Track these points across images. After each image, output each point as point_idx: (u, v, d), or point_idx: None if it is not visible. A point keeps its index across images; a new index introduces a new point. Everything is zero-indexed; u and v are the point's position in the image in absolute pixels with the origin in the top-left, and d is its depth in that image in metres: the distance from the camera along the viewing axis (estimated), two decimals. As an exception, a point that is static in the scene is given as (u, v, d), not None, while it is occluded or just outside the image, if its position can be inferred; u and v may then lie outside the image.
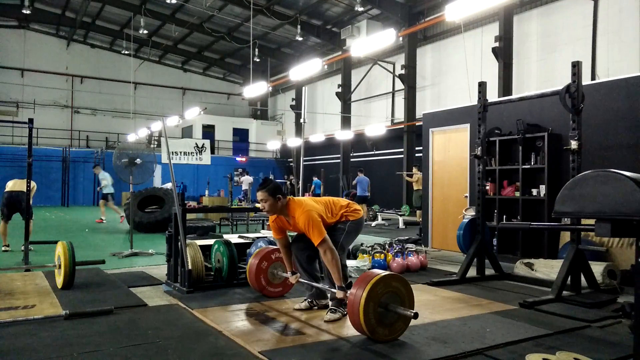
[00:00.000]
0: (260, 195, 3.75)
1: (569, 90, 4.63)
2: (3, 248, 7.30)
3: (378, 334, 3.13)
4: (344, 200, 4.09)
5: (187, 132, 25.44)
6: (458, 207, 7.54)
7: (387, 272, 3.27)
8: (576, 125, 4.59)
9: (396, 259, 5.82)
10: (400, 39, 16.51)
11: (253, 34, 19.21)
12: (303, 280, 3.98)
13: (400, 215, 13.10)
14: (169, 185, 14.61)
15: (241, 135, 26.78)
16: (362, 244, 6.26)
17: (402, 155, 17.35)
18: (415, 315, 3.10)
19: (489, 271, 5.55)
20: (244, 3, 17.59)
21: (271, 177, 21.56)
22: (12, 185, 7.42)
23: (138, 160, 7.41)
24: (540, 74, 13.50)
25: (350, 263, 5.22)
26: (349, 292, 3.26)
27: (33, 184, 6.98)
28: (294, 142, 20.71)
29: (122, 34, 22.91)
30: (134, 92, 25.45)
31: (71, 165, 21.67)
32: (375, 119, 19.45)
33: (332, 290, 3.65)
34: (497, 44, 13.63)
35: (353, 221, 3.94)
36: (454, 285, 5.07)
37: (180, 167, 18.50)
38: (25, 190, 6.75)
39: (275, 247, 4.37)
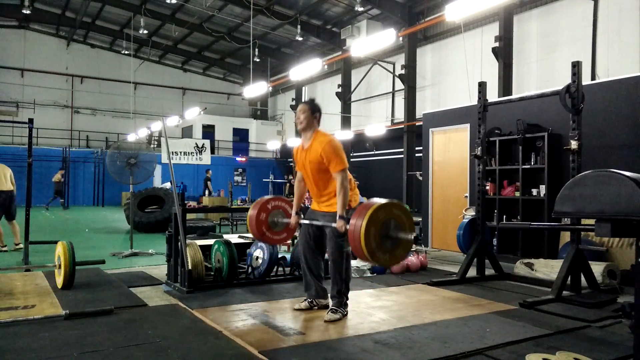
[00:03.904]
0: (301, 107, 3.89)
1: (569, 90, 4.64)
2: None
3: (378, 258, 3.10)
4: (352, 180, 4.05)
5: (187, 132, 25.43)
6: (458, 207, 7.54)
7: (389, 200, 3.24)
8: (576, 125, 4.59)
9: (396, 259, 5.80)
10: (400, 39, 16.50)
11: (253, 34, 19.20)
12: (304, 222, 3.96)
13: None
14: (167, 185, 14.62)
15: (241, 135, 26.77)
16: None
17: (402, 156, 17.34)
18: (415, 239, 3.09)
19: (489, 271, 5.55)
20: (244, 3, 17.58)
21: (271, 177, 21.41)
22: None
23: (132, 160, 7.37)
24: (540, 74, 13.49)
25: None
26: (351, 220, 3.21)
27: (8, 169, 6.97)
28: (294, 142, 20.70)
29: (122, 34, 22.90)
30: (134, 92, 25.44)
31: (71, 165, 21.66)
32: (375, 119, 19.44)
33: (332, 225, 3.62)
34: (497, 44, 13.62)
35: (351, 208, 3.85)
36: (454, 285, 5.07)
37: (180, 167, 18.50)
38: (11, 188, 6.79)
39: (270, 197, 4.34)
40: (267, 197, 4.33)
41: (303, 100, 4.03)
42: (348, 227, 3.23)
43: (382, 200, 3.18)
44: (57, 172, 19.19)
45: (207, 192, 17.15)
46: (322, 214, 3.85)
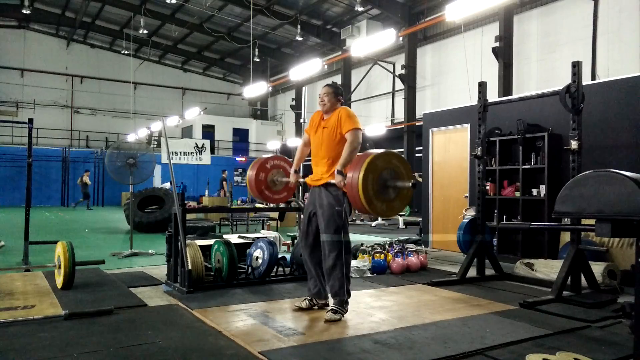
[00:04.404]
0: (324, 89, 3.95)
1: (569, 90, 4.63)
2: None
3: (376, 208, 3.07)
4: None
5: (187, 132, 25.43)
6: (458, 207, 7.54)
7: (383, 150, 3.22)
8: (576, 125, 4.59)
9: (396, 259, 5.81)
10: (400, 39, 16.51)
11: (253, 34, 19.21)
12: (303, 180, 3.98)
13: (401, 216, 13.10)
14: (167, 184, 14.60)
15: (241, 135, 26.77)
16: (362, 244, 6.26)
17: (402, 156, 17.35)
18: (414, 185, 3.07)
19: (489, 271, 5.55)
20: (244, 3, 17.58)
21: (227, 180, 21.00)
22: None
23: (131, 160, 7.38)
24: (540, 74, 13.50)
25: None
26: (348, 173, 3.20)
27: None
28: (294, 142, 20.70)
29: (122, 34, 22.91)
30: (134, 92, 25.45)
31: (71, 165, 21.68)
32: (375, 119, 19.45)
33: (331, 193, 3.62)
34: (497, 44, 13.63)
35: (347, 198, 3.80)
36: (454, 286, 5.07)
37: (180, 167, 18.51)
38: None
39: (268, 156, 4.34)
40: (265, 156, 4.34)
41: (327, 84, 4.10)
42: (345, 181, 3.22)
43: (377, 151, 3.16)
44: (84, 173, 19.27)
45: (222, 192, 17.10)
46: (317, 190, 3.85)
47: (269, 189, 4.23)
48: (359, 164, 3.07)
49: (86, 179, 18.92)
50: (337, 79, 21.15)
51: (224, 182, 17.58)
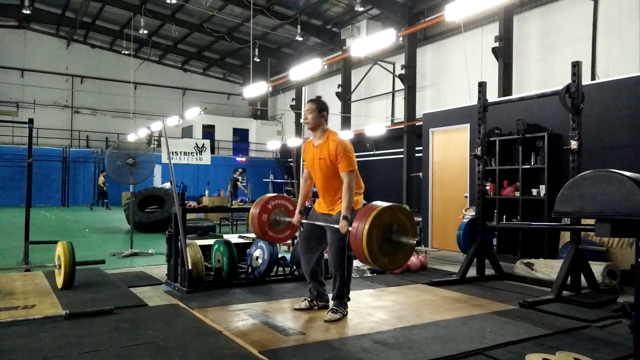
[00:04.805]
0: (308, 105, 3.88)
1: (569, 90, 4.64)
2: None
3: (379, 261, 3.07)
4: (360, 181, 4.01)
5: (187, 132, 25.43)
6: (458, 207, 7.54)
7: (392, 204, 3.20)
8: (576, 125, 4.59)
9: (396, 259, 5.80)
10: (400, 39, 16.50)
11: (253, 34, 19.20)
12: (306, 222, 3.94)
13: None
14: (167, 184, 14.59)
15: (241, 135, 26.77)
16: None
17: (402, 156, 17.34)
18: (418, 243, 3.05)
19: (489, 271, 5.55)
20: (244, 3, 17.57)
21: (271, 177, 21.34)
22: None
23: (130, 160, 7.39)
24: (540, 74, 13.49)
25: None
26: (354, 223, 3.17)
27: None
28: (294, 142, 20.69)
29: (122, 34, 22.90)
30: (134, 92, 25.44)
31: (71, 165, 21.67)
32: (375, 119, 19.44)
33: (335, 226, 3.61)
34: (497, 44, 13.62)
35: (354, 211, 3.85)
36: (454, 285, 5.07)
37: (180, 167, 18.50)
38: None
39: (271, 195, 4.31)
40: (268, 195, 4.30)
41: (310, 99, 4.02)
42: (350, 228, 3.22)
43: (386, 204, 3.15)
44: (100, 174, 19.37)
45: (236, 192, 17.03)
46: (325, 217, 3.85)
47: (272, 229, 4.25)
48: (365, 217, 3.06)
49: (102, 179, 19.02)
50: (337, 79, 21.15)
51: (237, 183, 17.55)
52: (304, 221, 3.98)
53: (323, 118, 3.85)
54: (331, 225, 3.69)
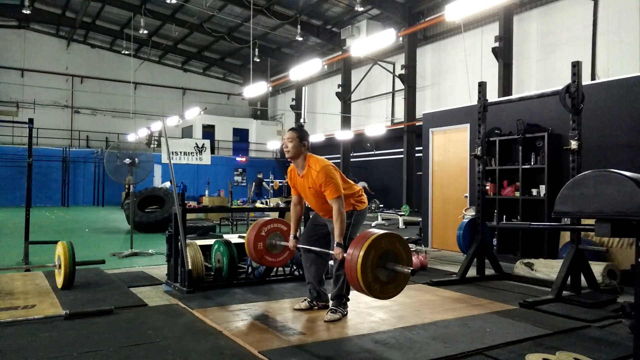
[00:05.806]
0: (289, 134, 3.79)
1: (569, 90, 4.64)
2: None
3: (370, 287, 3.03)
4: (356, 186, 3.99)
5: (187, 132, 25.44)
6: (458, 207, 7.54)
7: (388, 231, 3.17)
8: (576, 125, 4.59)
9: (396, 259, 5.80)
10: (400, 39, 16.52)
11: (253, 34, 19.21)
12: (302, 246, 3.95)
13: (400, 216, 13.11)
14: (167, 184, 14.57)
15: (241, 135, 26.78)
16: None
17: (402, 156, 17.35)
18: (412, 273, 3.03)
19: (489, 271, 5.55)
20: (244, 3, 17.59)
21: (271, 177, 21.20)
22: None
23: (127, 160, 7.39)
24: (540, 74, 13.50)
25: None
26: (349, 249, 3.16)
27: None
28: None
29: (122, 34, 22.91)
30: (134, 92, 25.45)
31: (71, 165, 21.68)
32: (375, 119, 19.45)
33: (330, 252, 3.60)
34: (497, 44, 13.64)
35: (359, 211, 3.88)
36: (454, 285, 5.07)
37: (180, 167, 18.50)
38: None
39: (267, 218, 4.30)
40: (261, 221, 4.25)
41: (291, 127, 3.97)
42: (345, 255, 3.20)
43: (381, 231, 3.13)
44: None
45: (258, 193, 16.95)
46: (327, 220, 3.86)
47: (269, 254, 4.26)
48: (361, 242, 3.05)
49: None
50: (337, 79, 21.17)
51: (263, 183, 17.53)
52: (300, 245, 3.98)
53: (304, 147, 3.76)
54: (328, 251, 3.71)
